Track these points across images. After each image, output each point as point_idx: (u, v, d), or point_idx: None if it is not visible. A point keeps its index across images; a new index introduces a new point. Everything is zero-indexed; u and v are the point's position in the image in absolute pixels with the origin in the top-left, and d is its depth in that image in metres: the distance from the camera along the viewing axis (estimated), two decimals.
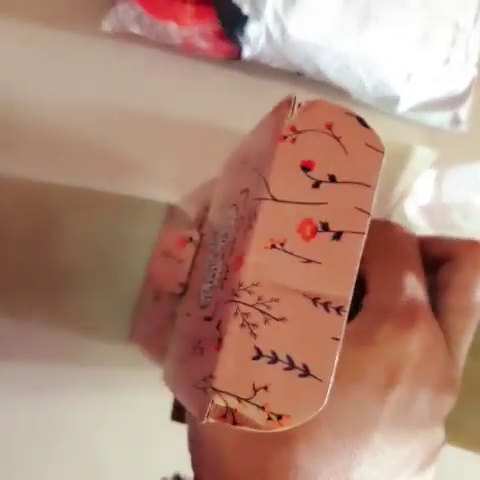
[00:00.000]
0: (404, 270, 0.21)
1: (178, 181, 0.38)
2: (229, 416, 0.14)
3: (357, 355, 0.19)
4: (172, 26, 0.34)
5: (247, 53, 0.36)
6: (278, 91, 0.41)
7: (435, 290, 0.22)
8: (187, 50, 0.36)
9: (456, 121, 0.46)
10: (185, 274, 0.25)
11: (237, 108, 0.40)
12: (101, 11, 0.35)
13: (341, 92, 0.41)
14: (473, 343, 0.22)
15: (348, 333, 0.16)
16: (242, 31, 0.35)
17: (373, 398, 0.18)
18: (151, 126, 0.38)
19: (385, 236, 0.23)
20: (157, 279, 0.27)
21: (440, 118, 0.45)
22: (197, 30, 0.34)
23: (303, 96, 0.43)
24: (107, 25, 0.35)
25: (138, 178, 0.38)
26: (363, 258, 0.19)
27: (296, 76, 0.40)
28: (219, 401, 0.14)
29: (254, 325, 0.14)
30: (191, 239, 0.25)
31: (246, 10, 0.34)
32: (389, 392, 0.18)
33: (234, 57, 0.37)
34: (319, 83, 0.40)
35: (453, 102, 0.45)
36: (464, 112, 0.45)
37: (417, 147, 0.24)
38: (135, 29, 0.35)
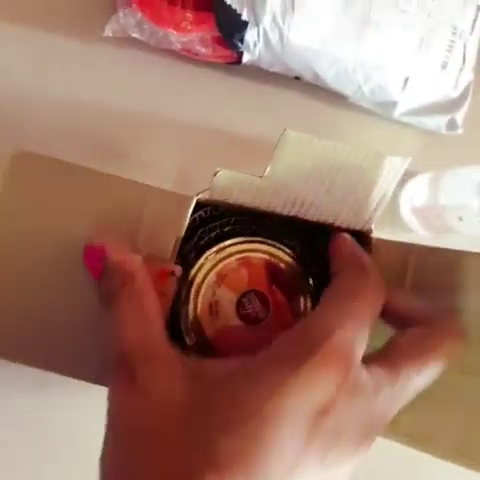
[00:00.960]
0: (354, 317, 0.21)
1: (178, 182, 0.39)
2: None
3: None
4: (172, 32, 0.34)
5: (246, 58, 0.37)
6: (276, 95, 0.42)
7: (394, 344, 0.23)
8: (187, 55, 0.37)
9: (453, 125, 0.46)
10: (168, 309, 0.26)
11: (236, 112, 0.41)
12: (103, 17, 0.35)
13: (339, 96, 0.42)
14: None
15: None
16: (241, 37, 0.35)
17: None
18: (151, 129, 0.39)
19: (357, 280, 0.24)
20: None
21: (437, 122, 0.46)
22: (196, 36, 0.35)
23: (301, 100, 0.44)
24: (108, 30, 0.35)
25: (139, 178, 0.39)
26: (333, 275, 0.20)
27: (294, 80, 0.41)
28: None
29: None
30: (173, 273, 0.26)
31: (245, 16, 0.35)
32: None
33: (233, 62, 0.37)
34: (317, 87, 0.41)
35: (450, 106, 0.46)
36: (461, 116, 0.46)
37: (389, 157, 0.25)
38: (136, 34, 0.35)
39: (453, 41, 0.43)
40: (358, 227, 0.28)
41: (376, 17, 0.40)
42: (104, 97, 0.38)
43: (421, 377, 0.21)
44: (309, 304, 0.29)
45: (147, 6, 0.34)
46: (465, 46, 0.44)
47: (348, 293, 0.23)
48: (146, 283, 0.23)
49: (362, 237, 0.28)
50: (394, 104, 0.43)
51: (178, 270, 0.26)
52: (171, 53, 0.37)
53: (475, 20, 0.43)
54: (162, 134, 0.39)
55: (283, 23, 0.36)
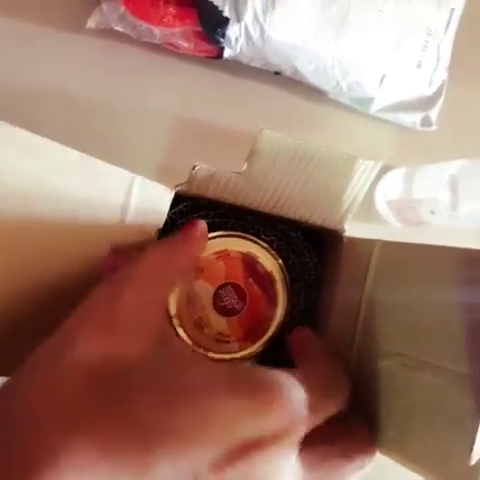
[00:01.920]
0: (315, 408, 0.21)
1: (158, 173, 0.40)
2: None
3: None
4: (155, 26, 0.35)
5: (227, 53, 0.38)
6: (257, 90, 0.43)
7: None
8: (169, 48, 0.38)
9: (427, 121, 0.48)
10: None
11: (216, 105, 0.41)
12: (86, 9, 0.36)
13: (317, 91, 0.43)
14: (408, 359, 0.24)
15: None
16: (223, 33, 0.36)
17: None
18: (132, 120, 0.40)
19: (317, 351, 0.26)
20: None
21: (412, 118, 0.47)
22: (179, 30, 0.36)
23: (281, 95, 0.45)
24: (92, 22, 0.36)
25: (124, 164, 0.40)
26: None
27: (274, 75, 0.42)
28: None
29: None
30: None
31: (227, 13, 0.36)
32: None
33: (215, 56, 0.38)
34: (296, 82, 0.42)
35: (424, 103, 0.47)
36: (434, 113, 0.48)
37: (361, 160, 0.26)
38: (118, 27, 0.36)
39: (427, 41, 0.45)
40: (331, 226, 0.29)
41: (354, 16, 0.41)
42: (85, 87, 0.38)
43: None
44: (285, 296, 0.30)
45: (131, 0, 0.34)
46: (439, 46, 0.45)
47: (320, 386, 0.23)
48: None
49: (336, 235, 0.30)
50: (371, 100, 0.44)
51: None
52: (153, 46, 0.38)
53: (449, 22, 0.45)
54: (143, 125, 0.40)
55: (264, 20, 0.37)
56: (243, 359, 0.29)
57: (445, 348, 0.22)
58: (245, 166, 0.26)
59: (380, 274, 0.27)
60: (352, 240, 0.29)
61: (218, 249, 0.29)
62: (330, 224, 0.29)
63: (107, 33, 0.37)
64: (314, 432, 0.21)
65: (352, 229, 0.29)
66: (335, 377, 0.24)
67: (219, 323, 0.29)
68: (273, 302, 0.30)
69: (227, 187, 0.27)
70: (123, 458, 0.17)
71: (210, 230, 0.28)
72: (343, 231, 0.29)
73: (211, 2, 0.35)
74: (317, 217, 0.29)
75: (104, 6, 0.35)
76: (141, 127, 0.40)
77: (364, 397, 0.25)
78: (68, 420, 0.18)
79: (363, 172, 0.27)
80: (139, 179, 0.25)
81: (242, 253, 0.29)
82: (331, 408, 0.23)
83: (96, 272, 0.25)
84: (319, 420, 0.21)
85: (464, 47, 0.46)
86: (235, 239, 0.29)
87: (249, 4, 0.36)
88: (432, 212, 0.43)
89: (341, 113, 0.45)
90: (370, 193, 0.47)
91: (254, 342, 0.29)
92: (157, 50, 0.38)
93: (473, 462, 0.19)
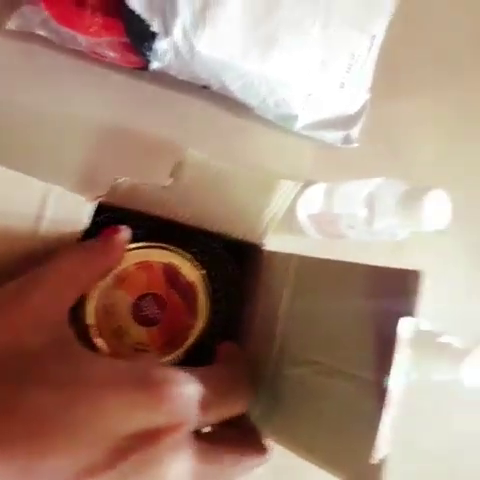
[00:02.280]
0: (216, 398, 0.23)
1: (76, 182, 0.39)
2: None
3: None
4: (79, 34, 0.34)
5: (155, 65, 0.38)
6: (183, 102, 0.43)
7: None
8: (94, 57, 0.37)
9: (348, 139, 0.50)
10: None
11: (141, 115, 0.41)
12: (6, 9, 0.34)
13: (244, 107, 0.44)
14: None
15: None
16: (150, 46, 0.36)
17: None
18: (53, 127, 0.38)
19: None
20: None
21: (334, 136, 0.49)
22: (105, 40, 0.35)
23: (208, 108, 0.45)
24: (12, 24, 0.34)
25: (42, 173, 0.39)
26: None
27: (202, 89, 0.42)
28: None
29: None
30: None
31: (155, 27, 0.35)
32: None
33: (141, 68, 0.38)
34: (223, 97, 0.43)
35: (346, 122, 0.49)
36: (356, 131, 0.50)
37: (282, 180, 0.27)
38: (41, 32, 0.35)
39: (351, 64, 0.47)
40: (252, 240, 0.30)
41: (282, 37, 0.42)
42: (4, 92, 0.37)
43: None
44: (207, 306, 0.30)
45: (54, 6, 0.33)
46: (361, 69, 0.48)
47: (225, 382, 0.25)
48: None
49: (256, 249, 0.31)
50: (295, 117, 0.46)
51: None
52: (78, 52, 0.37)
53: (370, 47, 0.47)
54: (64, 133, 0.39)
55: (194, 35, 0.38)
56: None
57: (354, 356, 0.24)
58: (170, 181, 0.27)
59: (297, 287, 0.28)
60: (271, 254, 0.31)
61: (140, 260, 0.29)
62: (251, 238, 0.30)
63: (29, 36, 0.35)
64: (212, 431, 0.24)
65: (273, 241, 0.30)
66: (237, 381, 0.26)
67: (139, 333, 0.29)
68: (194, 311, 0.30)
69: (151, 200, 0.27)
70: (12, 449, 0.18)
71: (133, 241, 0.29)
72: (263, 245, 0.30)
73: (138, 15, 0.34)
74: (239, 232, 0.30)
75: (25, 9, 0.34)
76: (63, 133, 0.39)
77: (279, 403, 0.27)
78: None
79: (284, 192, 0.28)
80: (56, 189, 0.25)
81: (164, 264, 0.30)
82: (228, 410, 0.24)
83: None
84: (214, 419, 0.23)
85: (384, 70, 0.49)
86: (157, 250, 0.30)
87: (178, 20, 0.37)
88: (350, 226, 0.46)
89: (266, 129, 0.46)
90: (292, 206, 0.49)
91: (173, 350, 0.30)
92: (82, 57, 0.37)
93: (375, 461, 0.20)
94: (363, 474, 0.21)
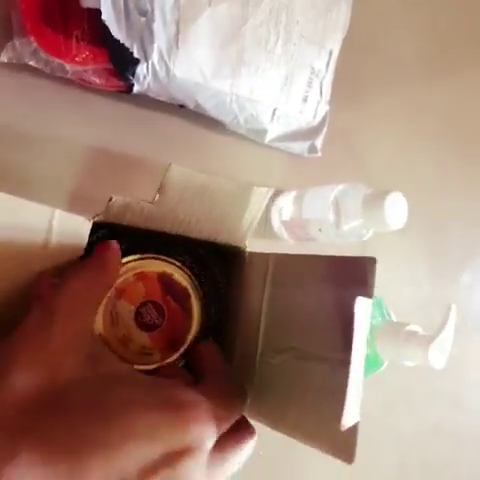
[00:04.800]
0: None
1: (73, 202, 0.42)
2: None
3: None
4: (66, 64, 0.37)
5: (136, 89, 0.41)
6: (163, 121, 0.47)
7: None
8: (81, 84, 0.40)
9: (313, 149, 0.54)
10: None
11: (125, 136, 0.44)
12: None
13: (218, 123, 0.48)
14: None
15: None
16: (133, 71, 0.39)
17: None
18: (44, 152, 0.41)
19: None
20: None
21: (300, 146, 0.53)
22: (91, 68, 0.38)
23: (185, 126, 0.48)
24: (4, 57, 0.37)
25: (30, 198, 0.41)
26: None
27: (179, 108, 0.45)
28: None
29: None
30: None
31: (136, 53, 0.39)
32: None
33: (125, 91, 0.41)
34: (199, 115, 0.46)
35: (311, 133, 0.54)
36: (319, 141, 0.54)
37: (255, 187, 0.30)
38: (31, 62, 0.37)
39: (312, 79, 0.51)
40: (235, 244, 0.33)
41: (248, 57, 0.46)
42: None
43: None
44: (199, 309, 0.33)
45: (43, 38, 0.36)
46: (321, 83, 0.52)
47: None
48: None
49: (239, 251, 0.34)
50: (265, 131, 0.50)
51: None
52: (65, 79, 0.39)
53: (328, 62, 0.52)
54: (55, 156, 0.41)
55: (169, 59, 0.41)
56: (167, 366, 0.32)
57: (325, 339, 0.27)
58: (157, 196, 0.29)
59: (275, 282, 0.31)
60: (252, 254, 0.34)
61: (136, 271, 0.32)
62: (234, 242, 0.33)
63: (19, 66, 0.38)
64: None
65: (253, 245, 0.34)
66: (235, 390, 0.29)
67: (141, 338, 0.32)
68: (189, 314, 0.33)
69: (142, 215, 0.30)
70: (60, 466, 0.20)
71: (127, 254, 0.31)
72: (245, 247, 0.33)
73: (122, 43, 0.38)
74: (222, 237, 0.33)
75: (16, 41, 0.37)
76: (53, 158, 0.41)
77: (266, 390, 0.30)
78: (11, 436, 0.20)
79: (259, 198, 0.31)
80: (58, 213, 0.27)
81: (158, 273, 0.32)
82: (234, 417, 0.27)
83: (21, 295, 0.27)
84: (225, 429, 0.26)
85: (340, 82, 0.53)
86: (150, 261, 0.32)
87: (155, 44, 0.40)
88: (320, 230, 0.49)
89: (239, 143, 0.50)
90: (267, 215, 0.53)
91: (175, 352, 0.32)
92: (69, 83, 0.40)
93: (343, 428, 0.23)
94: (339, 442, 0.24)
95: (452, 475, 0.71)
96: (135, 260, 0.32)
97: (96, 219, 0.29)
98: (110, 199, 0.28)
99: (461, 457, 0.71)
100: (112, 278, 0.29)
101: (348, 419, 0.23)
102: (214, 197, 0.30)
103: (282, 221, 0.52)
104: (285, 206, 0.52)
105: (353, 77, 0.58)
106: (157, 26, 0.40)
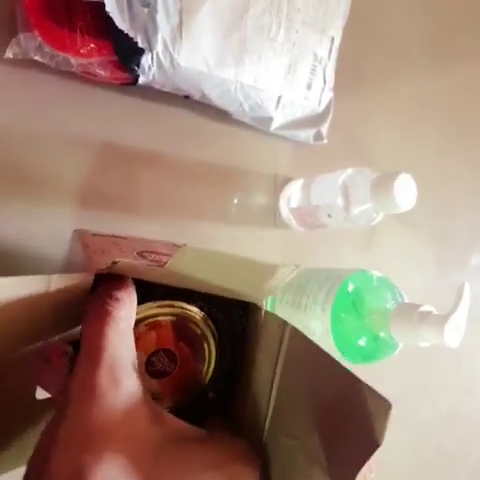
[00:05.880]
0: None
1: (75, 199, 0.42)
2: None
3: None
4: (72, 57, 0.37)
5: (141, 80, 0.41)
6: (168, 112, 0.47)
7: None
8: (86, 77, 0.40)
9: (319, 136, 0.54)
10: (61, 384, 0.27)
11: (132, 128, 0.44)
12: (3, 39, 0.37)
13: (223, 113, 0.48)
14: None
15: None
16: (138, 62, 0.39)
17: None
18: (51, 146, 0.41)
19: None
20: (41, 383, 0.29)
21: (306, 134, 0.53)
22: (96, 60, 0.38)
23: (190, 117, 0.48)
24: (9, 52, 0.37)
25: (40, 193, 0.41)
26: None
27: (184, 99, 0.45)
28: None
29: None
30: (66, 353, 0.27)
31: (141, 43, 0.39)
32: None
33: (129, 83, 0.41)
34: (204, 105, 0.46)
35: (316, 120, 0.53)
36: (325, 128, 0.54)
37: (280, 266, 0.28)
38: (37, 57, 0.37)
39: (315, 66, 0.51)
40: (251, 300, 0.31)
41: (251, 45, 0.46)
42: (6, 115, 0.39)
43: None
44: (214, 352, 0.32)
45: (47, 32, 0.36)
46: (325, 70, 0.52)
47: None
48: None
49: (255, 306, 0.31)
50: (270, 119, 0.50)
51: (70, 350, 0.27)
52: (70, 73, 0.39)
53: (331, 49, 0.51)
54: (62, 151, 0.41)
55: (173, 49, 0.41)
56: (175, 408, 0.31)
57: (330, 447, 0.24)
58: (169, 262, 0.27)
59: (287, 360, 0.28)
60: (268, 315, 0.31)
61: (149, 321, 0.30)
62: (250, 299, 0.31)
63: (25, 62, 0.38)
64: None
65: (263, 236, 0.33)
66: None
67: (151, 385, 0.30)
68: (202, 358, 0.32)
69: (151, 274, 0.28)
70: None
71: (139, 302, 0.28)
72: (262, 305, 0.31)
73: (126, 34, 0.38)
74: (242, 297, 0.31)
75: (21, 36, 0.37)
76: (59, 152, 0.41)
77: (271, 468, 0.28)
78: None
79: (281, 275, 0.28)
80: (55, 278, 0.25)
81: (171, 321, 0.31)
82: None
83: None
84: None
85: (342, 69, 0.53)
86: (164, 309, 0.30)
87: (159, 35, 0.40)
88: (329, 216, 0.49)
89: (245, 132, 0.50)
90: (275, 203, 0.53)
91: (187, 395, 0.31)
92: (74, 77, 0.40)
93: None
94: None
95: (466, 460, 0.71)
96: (149, 308, 0.30)
97: (98, 273, 0.27)
98: (114, 262, 0.25)
99: (475, 443, 0.71)
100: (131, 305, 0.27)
101: None
102: (230, 272, 0.29)
103: (291, 209, 0.52)
104: (293, 194, 0.52)
105: (356, 65, 0.58)
106: (160, 17, 0.40)
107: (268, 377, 0.29)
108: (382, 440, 0.21)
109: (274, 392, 0.29)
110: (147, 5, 0.39)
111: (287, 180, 0.53)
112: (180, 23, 0.41)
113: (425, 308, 0.44)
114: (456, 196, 0.69)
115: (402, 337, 0.45)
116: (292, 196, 0.53)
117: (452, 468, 0.69)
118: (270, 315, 0.30)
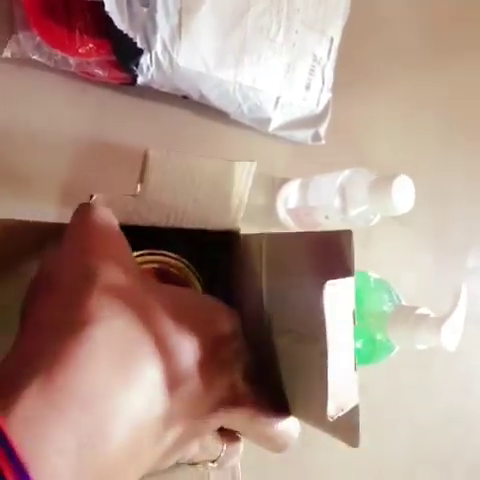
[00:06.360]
0: None
1: (69, 195, 0.42)
2: None
3: None
4: (70, 56, 0.37)
5: (140, 80, 0.41)
6: (167, 113, 0.47)
7: None
8: (85, 76, 0.40)
9: (316, 137, 0.54)
10: None
11: (129, 128, 0.44)
12: (2, 38, 0.37)
13: (222, 113, 0.48)
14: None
15: None
16: (137, 62, 0.39)
17: None
18: (49, 145, 0.41)
19: None
20: None
21: (304, 135, 0.53)
22: (94, 60, 0.38)
23: (189, 117, 0.48)
24: (8, 51, 0.37)
25: (34, 190, 0.41)
26: None
27: (183, 99, 0.45)
28: None
29: None
30: None
31: (139, 44, 0.39)
32: None
33: (128, 83, 0.41)
34: (203, 106, 0.46)
35: (314, 121, 0.53)
36: (323, 129, 0.54)
37: (237, 162, 0.29)
38: (35, 56, 0.37)
39: (314, 66, 0.51)
40: (227, 227, 0.32)
41: (250, 46, 0.46)
42: (4, 113, 0.39)
43: None
44: (201, 291, 0.32)
45: (46, 31, 0.36)
46: (323, 71, 0.52)
47: None
48: None
49: (233, 235, 0.32)
50: (269, 120, 0.50)
51: None
52: (68, 72, 0.39)
53: (330, 49, 0.51)
54: (58, 150, 0.41)
55: (172, 49, 0.41)
56: None
57: (316, 320, 0.25)
58: (139, 187, 0.27)
59: (268, 263, 0.30)
60: (246, 236, 0.32)
61: None
62: (226, 226, 0.32)
63: (23, 61, 0.38)
64: None
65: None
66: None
67: None
68: None
69: (126, 210, 0.28)
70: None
71: None
72: (239, 230, 0.32)
73: (125, 34, 0.38)
74: (213, 223, 0.31)
75: (20, 35, 0.36)
76: (57, 152, 0.41)
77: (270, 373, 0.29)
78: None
79: (242, 174, 0.29)
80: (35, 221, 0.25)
81: (154, 268, 0.31)
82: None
83: None
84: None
85: (340, 70, 0.53)
86: (146, 257, 0.31)
87: (158, 35, 0.40)
88: (326, 217, 0.49)
89: (243, 132, 0.50)
90: (272, 203, 0.53)
91: None
92: (72, 77, 0.40)
93: (331, 418, 0.22)
94: (342, 426, 0.23)
95: (463, 460, 0.71)
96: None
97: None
98: (90, 197, 0.26)
99: (472, 443, 0.72)
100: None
101: (334, 407, 0.22)
102: (197, 180, 0.29)
103: (288, 209, 0.52)
104: (290, 194, 0.52)
105: (355, 65, 0.58)
106: (160, 17, 0.40)
107: (258, 289, 0.30)
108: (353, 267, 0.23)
109: (265, 304, 0.30)
110: (146, 5, 0.39)
111: (285, 181, 0.53)
112: (179, 23, 0.41)
113: (422, 311, 0.44)
114: (454, 198, 0.69)
115: (399, 340, 0.45)
116: (290, 197, 0.53)
117: (449, 467, 0.69)
118: (248, 236, 0.32)
